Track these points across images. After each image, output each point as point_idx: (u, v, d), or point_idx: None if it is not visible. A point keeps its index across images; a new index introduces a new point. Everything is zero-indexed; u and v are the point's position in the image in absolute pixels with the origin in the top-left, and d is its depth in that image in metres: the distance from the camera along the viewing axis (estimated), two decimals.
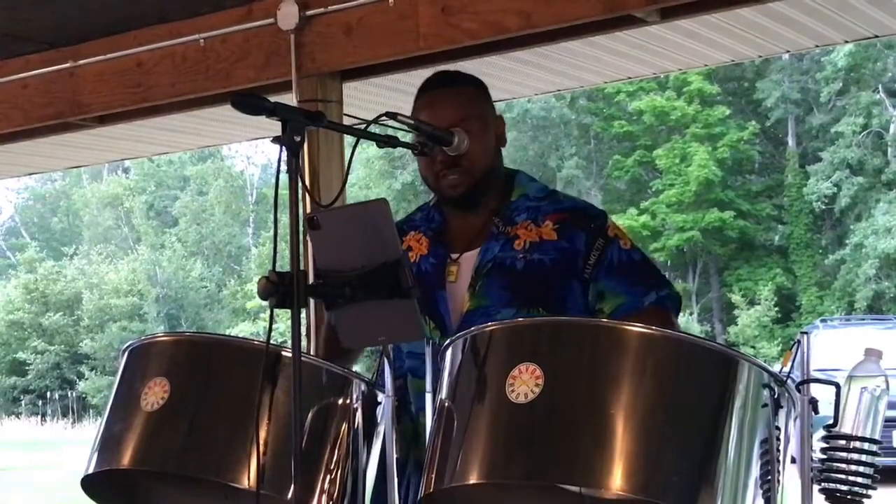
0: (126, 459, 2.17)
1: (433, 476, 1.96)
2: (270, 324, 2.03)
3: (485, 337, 2.02)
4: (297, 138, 1.98)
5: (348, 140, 2.64)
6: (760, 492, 1.94)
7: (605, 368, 1.90)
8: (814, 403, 2.04)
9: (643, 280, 2.47)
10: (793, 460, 2.03)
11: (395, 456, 2.19)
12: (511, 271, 2.46)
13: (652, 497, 1.85)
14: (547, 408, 1.86)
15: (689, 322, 27.00)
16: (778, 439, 1.98)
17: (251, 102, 2.01)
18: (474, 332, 2.04)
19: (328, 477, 2.19)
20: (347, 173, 2.56)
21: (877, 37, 4.59)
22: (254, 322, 33.18)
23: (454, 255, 2.54)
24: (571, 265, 2.45)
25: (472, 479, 1.90)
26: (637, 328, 1.96)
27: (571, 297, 2.45)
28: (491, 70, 4.39)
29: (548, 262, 2.45)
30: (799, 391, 2.04)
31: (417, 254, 2.58)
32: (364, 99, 4.82)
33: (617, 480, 1.82)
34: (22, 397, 35.16)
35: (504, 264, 2.47)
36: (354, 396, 2.23)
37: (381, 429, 2.24)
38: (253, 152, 43.40)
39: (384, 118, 2.28)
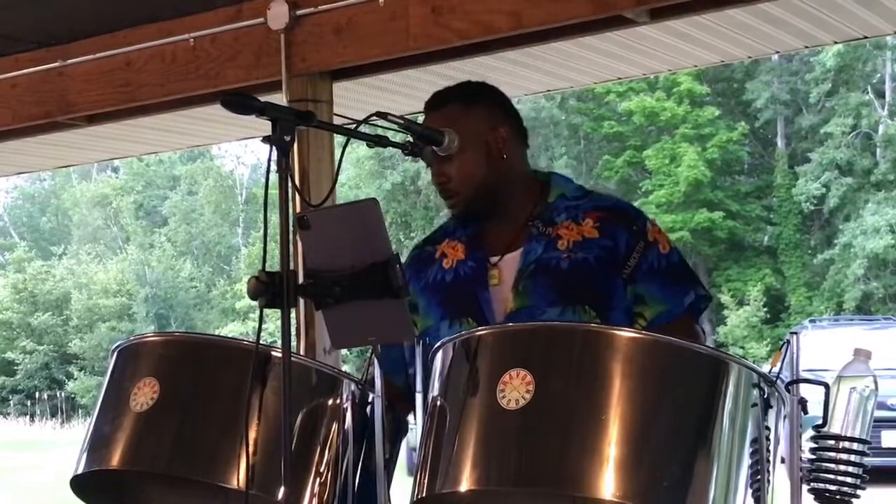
0: (115, 460, 2.17)
1: (425, 480, 1.96)
2: (260, 324, 2.02)
3: (475, 341, 2.01)
4: (287, 138, 1.98)
5: (338, 140, 2.63)
6: (750, 492, 1.94)
7: (595, 374, 1.90)
8: (803, 404, 2.05)
9: (681, 280, 2.50)
10: (782, 460, 2.03)
11: (384, 456, 2.19)
12: (556, 271, 2.44)
13: (643, 503, 1.85)
14: (538, 414, 1.86)
15: None
16: (767, 439, 1.99)
17: (241, 102, 2.00)
18: (465, 335, 2.03)
19: (318, 478, 2.19)
20: (337, 173, 2.57)
21: (866, 37, 4.59)
22: (243, 322, 33.12)
23: (493, 259, 2.51)
24: (614, 263, 2.45)
25: (464, 487, 1.90)
26: (626, 333, 1.96)
27: (616, 295, 2.44)
28: (481, 70, 4.38)
29: (592, 260, 2.44)
30: (788, 391, 2.04)
31: (454, 259, 2.55)
32: (354, 99, 4.82)
33: (608, 486, 1.82)
34: (10, 397, 35.06)
35: (549, 265, 2.45)
36: (344, 397, 2.23)
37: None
38: (243, 152, 43.41)
39: (374, 118, 2.28)
